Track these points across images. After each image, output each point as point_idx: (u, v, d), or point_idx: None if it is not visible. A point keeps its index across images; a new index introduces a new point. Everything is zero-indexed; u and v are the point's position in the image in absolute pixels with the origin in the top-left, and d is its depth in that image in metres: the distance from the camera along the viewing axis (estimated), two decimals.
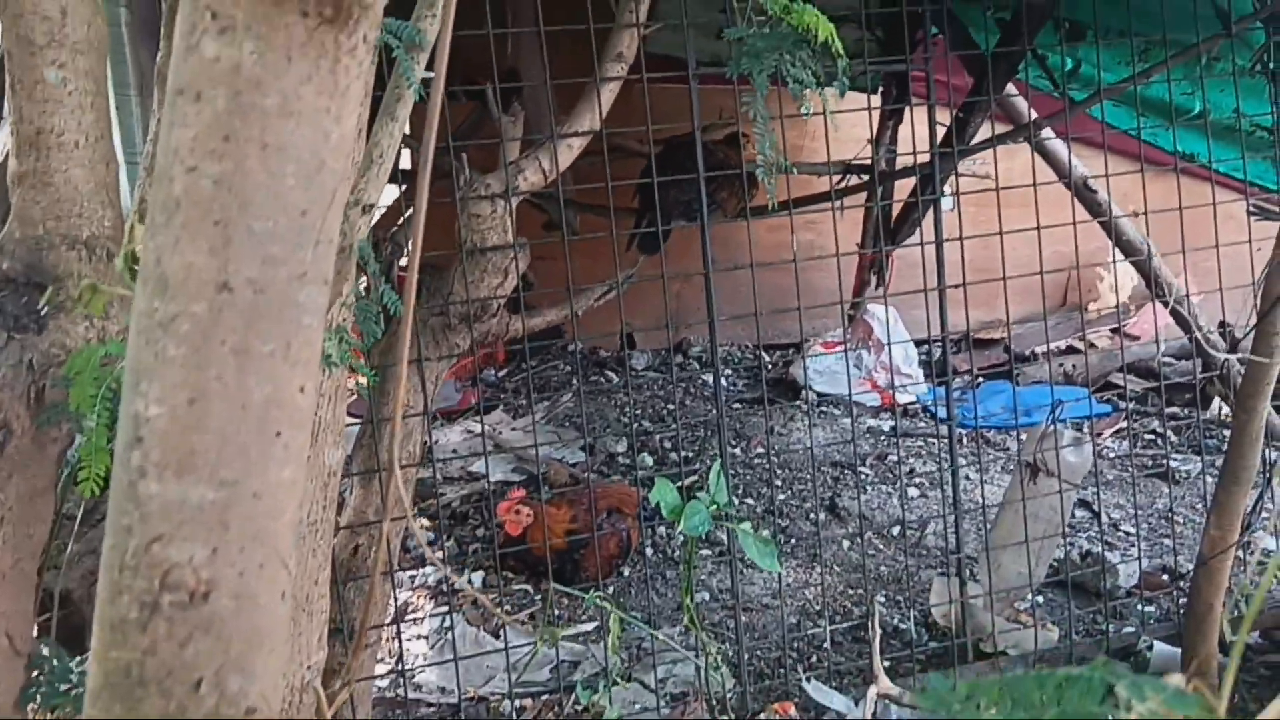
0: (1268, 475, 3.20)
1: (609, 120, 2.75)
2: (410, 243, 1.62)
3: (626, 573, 3.95)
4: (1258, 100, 3.60)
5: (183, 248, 0.70)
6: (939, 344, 6.72)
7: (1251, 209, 3.25)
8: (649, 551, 4.09)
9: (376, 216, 1.96)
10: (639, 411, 5.72)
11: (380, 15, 0.76)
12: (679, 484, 2.48)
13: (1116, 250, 4.56)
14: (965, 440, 5.52)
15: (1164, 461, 4.67)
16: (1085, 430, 5.44)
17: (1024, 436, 4.08)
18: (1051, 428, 3.11)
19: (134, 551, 0.69)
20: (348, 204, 1.53)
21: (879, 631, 2.88)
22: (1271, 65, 3.33)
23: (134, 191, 2.07)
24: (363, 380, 1.85)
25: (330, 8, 0.72)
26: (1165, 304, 4.30)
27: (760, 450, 5.16)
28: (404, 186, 3.38)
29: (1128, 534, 4.12)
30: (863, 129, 5.41)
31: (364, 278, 1.83)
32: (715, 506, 2.22)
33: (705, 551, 4.02)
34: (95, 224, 1.72)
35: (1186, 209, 3.17)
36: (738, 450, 5.17)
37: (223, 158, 0.70)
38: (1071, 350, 6.46)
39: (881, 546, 4.17)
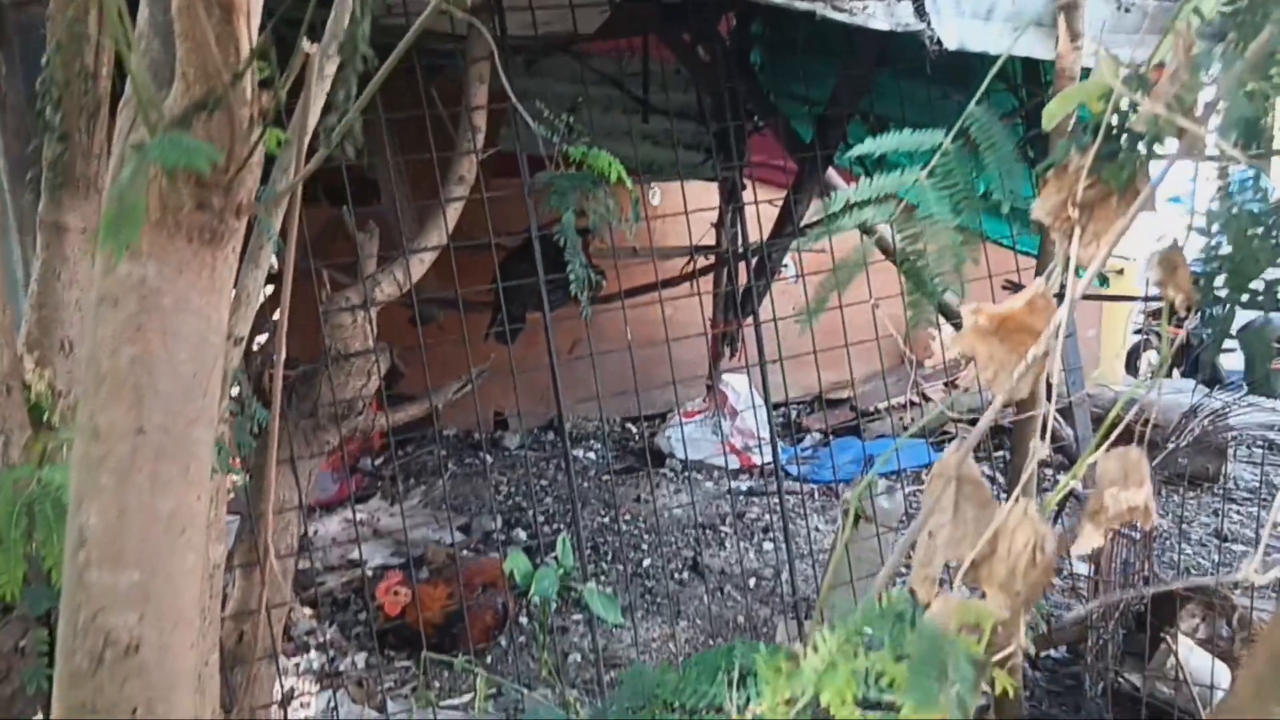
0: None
1: (473, 213, 3.10)
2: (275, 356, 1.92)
3: (504, 642, 4.21)
4: (1027, 183, 4.17)
5: (109, 407, 1.00)
6: (790, 406, 7.24)
7: (1004, 284, 3.76)
8: (524, 621, 4.35)
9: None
10: (512, 489, 5.99)
11: (243, 233, 1.08)
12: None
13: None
14: (817, 495, 5.99)
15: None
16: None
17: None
18: (867, 480, 3.52)
19: (83, 621, 0.98)
20: None
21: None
22: (1032, 154, 3.89)
23: (21, 326, 2.30)
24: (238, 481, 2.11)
25: (208, 234, 1.04)
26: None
27: (629, 517, 5.49)
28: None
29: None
30: (711, 213, 5.92)
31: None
32: (563, 571, 2.53)
33: (577, 617, 4.31)
34: None
35: (982, 278, 3.66)
36: (608, 519, 5.49)
37: (135, 342, 1.01)
38: (911, 404, 7.01)
39: (739, 598, 4.52)
